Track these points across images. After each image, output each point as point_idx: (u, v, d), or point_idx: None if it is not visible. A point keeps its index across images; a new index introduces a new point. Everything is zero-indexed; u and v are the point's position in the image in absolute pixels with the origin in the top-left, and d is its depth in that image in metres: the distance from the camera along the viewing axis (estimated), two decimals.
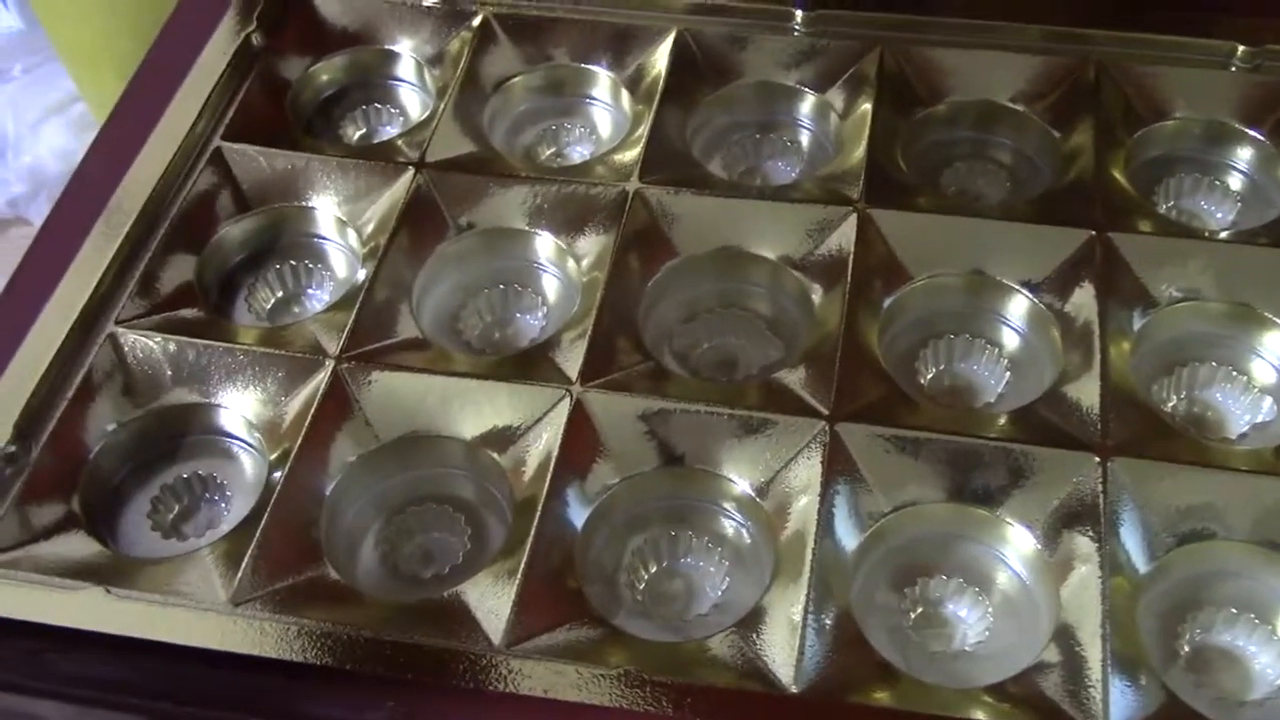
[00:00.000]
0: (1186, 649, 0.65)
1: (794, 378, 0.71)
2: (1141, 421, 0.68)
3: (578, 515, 0.68)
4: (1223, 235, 0.79)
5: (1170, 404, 0.74)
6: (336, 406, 0.71)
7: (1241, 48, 0.84)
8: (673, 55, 0.88)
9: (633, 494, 0.70)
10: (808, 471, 0.67)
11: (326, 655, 0.60)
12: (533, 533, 0.64)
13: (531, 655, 0.60)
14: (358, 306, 0.74)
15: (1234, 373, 0.74)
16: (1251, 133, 0.84)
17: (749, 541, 0.69)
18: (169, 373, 0.74)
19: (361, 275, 0.77)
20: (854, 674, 0.61)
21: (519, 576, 0.63)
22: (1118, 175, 0.80)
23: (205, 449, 0.74)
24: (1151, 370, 0.74)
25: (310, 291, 0.83)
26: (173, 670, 0.62)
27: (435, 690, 0.60)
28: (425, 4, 0.92)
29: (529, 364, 0.72)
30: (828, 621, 0.62)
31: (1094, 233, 0.75)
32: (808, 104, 0.89)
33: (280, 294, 0.82)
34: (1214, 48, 0.85)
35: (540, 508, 0.65)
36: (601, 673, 0.59)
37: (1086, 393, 0.69)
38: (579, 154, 0.89)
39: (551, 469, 0.67)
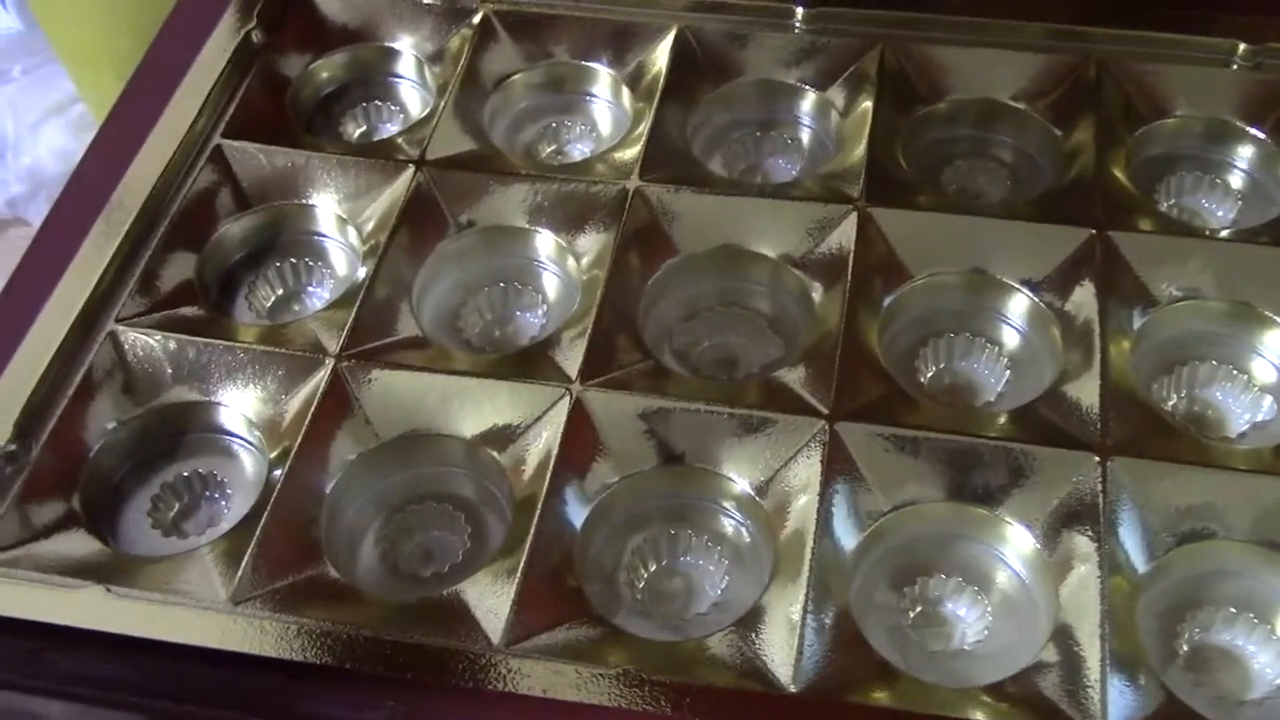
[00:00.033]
0: (1185, 648, 0.65)
1: (794, 376, 0.71)
2: (1141, 421, 0.68)
3: (577, 514, 0.68)
4: (1223, 234, 0.79)
5: (1170, 403, 0.74)
6: (336, 405, 0.71)
7: (1243, 45, 0.84)
8: (673, 52, 0.87)
9: (632, 493, 0.70)
10: (807, 470, 0.67)
11: (326, 654, 0.61)
12: (532, 531, 0.64)
13: (531, 654, 0.61)
14: (358, 305, 0.74)
15: (1234, 371, 0.74)
16: (1252, 131, 0.83)
17: (748, 540, 0.69)
18: (169, 371, 0.74)
19: (362, 273, 0.77)
20: (853, 673, 0.61)
21: (518, 575, 0.63)
22: (1118, 173, 0.80)
23: (205, 447, 0.74)
24: (1151, 369, 0.74)
25: (310, 289, 0.83)
26: (172, 669, 0.62)
27: (434, 689, 0.60)
28: (426, 1, 0.92)
29: (529, 362, 0.72)
30: (827, 620, 0.62)
31: (1094, 231, 0.75)
32: (808, 102, 0.88)
33: (280, 292, 0.82)
34: (1215, 45, 0.85)
35: (540, 506, 0.66)
36: (600, 672, 0.59)
37: (1086, 392, 0.69)
38: (579, 151, 0.89)
39: (551, 467, 0.67)
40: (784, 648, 0.61)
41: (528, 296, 0.81)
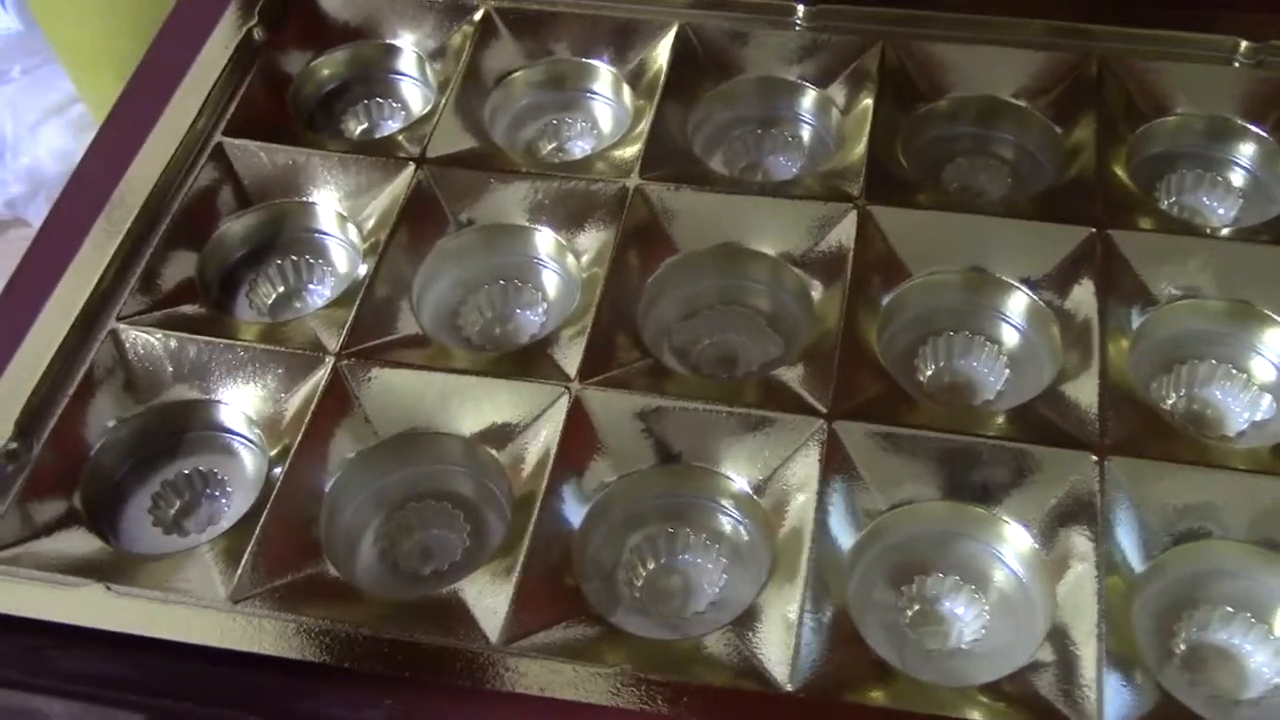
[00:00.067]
0: (1182, 648, 0.65)
1: (792, 375, 0.71)
2: (1140, 420, 0.68)
3: (576, 512, 0.68)
4: (1223, 232, 0.79)
5: (1169, 401, 0.74)
6: (336, 403, 0.71)
7: (1244, 43, 0.84)
8: (674, 50, 0.87)
9: (631, 491, 0.70)
10: (805, 469, 0.67)
11: (325, 653, 0.61)
12: (530, 530, 0.65)
13: (528, 653, 0.61)
14: (358, 303, 0.74)
15: (1233, 370, 0.74)
16: (1254, 129, 0.83)
17: (746, 539, 0.70)
18: (170, 369, 0.74)
19: (362, 271, 0.78)
20: (850, 672, 0.61)
21: (517, 574, 0.63)
22: (1119, 171, 0.80)
23: (206, 445, 0.74)
24: (1150, 368, 0.74)
25: (311, 287, 0.83)
26: (172, 667, 0.62)
27: (433, 688, 0.60)
28: None
29: (528, 361, 0.72)
30: (824, 619, 0.62)
31: (1094, 230, 0.75)
32: (809, 99, 0.88)
33: (281, 289, 0.82)
34: (1217, 43, 0.85)
35: (538, 505, 0.66)
36: (598, 671, 0.60)
37: (1085, 391, 0.69)
38: (580, 149, 0.89)
39: (550, 466, 0.67)
40: (781, 646, 0.61)
41: (527, 294, 0.81)
